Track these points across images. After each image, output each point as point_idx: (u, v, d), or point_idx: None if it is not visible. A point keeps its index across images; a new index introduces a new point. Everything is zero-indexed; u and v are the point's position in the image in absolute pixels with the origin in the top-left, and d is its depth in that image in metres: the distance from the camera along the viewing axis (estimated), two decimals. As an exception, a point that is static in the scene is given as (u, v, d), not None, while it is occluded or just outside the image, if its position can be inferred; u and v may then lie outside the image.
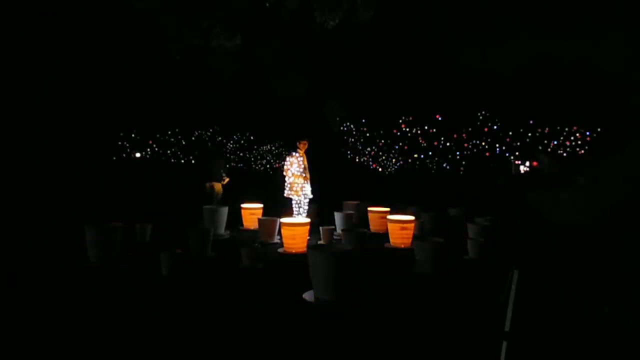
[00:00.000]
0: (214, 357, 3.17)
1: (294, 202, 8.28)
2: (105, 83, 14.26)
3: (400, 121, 17.24)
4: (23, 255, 5.99)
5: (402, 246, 7.25)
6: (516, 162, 18.29)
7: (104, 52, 12.60)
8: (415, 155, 17.67)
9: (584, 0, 7.18)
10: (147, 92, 15.67)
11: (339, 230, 8.09)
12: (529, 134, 16.33)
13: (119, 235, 5.81)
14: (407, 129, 17.28)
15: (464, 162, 17.46)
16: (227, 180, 10.34)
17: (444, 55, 10.75)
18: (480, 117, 16.50)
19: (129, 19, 9.99)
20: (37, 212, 9.75)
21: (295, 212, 8.24)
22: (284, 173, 8.28)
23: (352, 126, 18.13)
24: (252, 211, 8.82)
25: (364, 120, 17.91)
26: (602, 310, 3.69)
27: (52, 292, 4.52)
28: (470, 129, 16.64)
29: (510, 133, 16.40)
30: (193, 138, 20.88)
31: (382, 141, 17.93)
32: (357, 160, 18.79)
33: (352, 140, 18.40)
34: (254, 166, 22.15)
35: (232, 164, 20.92)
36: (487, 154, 16.95)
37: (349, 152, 18.78)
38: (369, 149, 18.36)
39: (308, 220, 7.23)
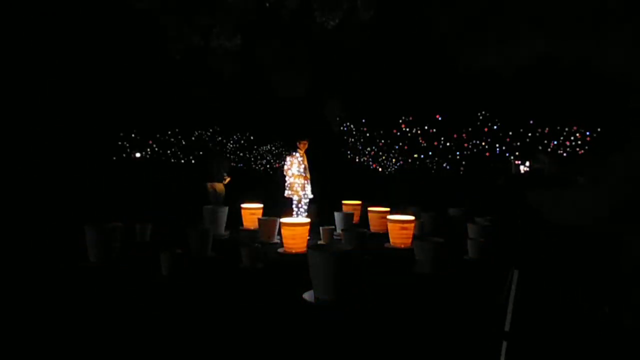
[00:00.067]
0: (214, 357, 3.17)
1: (294, 202, 8.28)
2: (105, 83, 14.25)
3: (400, 121, 17.23)
4: (23, 255, 5.99)
5: (402, 246, 7.25)
6: (516, 162, 18.30)
7: (104, 52, 12.60)
8: (415, 155, 17.66)
9: (584, 0, 7.18)
10: (147, 92, 15.66)
11: (339, 230, 8.09)
12: (529, 134, 16.33)
13: (119, 235, 5.81)
14: (407, 129, 17.27)
15: (464, 162, 17.45)
16: (228, 179, 10.34)
17: (444, 55, 10.75)
18: (480, 117, 16.49)
19: (129, 19, 9.99)
20: (37, 212, 9.75)
21: (295, 212, 8.24)
22: (285, 173, 8.28)
23: (352, 126, 18.12)
24: (252, 211, 8.82)
25: (364, 120, 17.90)
26: (602, 310, 3.69)
27: (52, 292, 4.52)
28: (470, 129, 16.62)
29: (510, 133, 16.39)
30: (193, 138, 20.87)
31: (382, 141, 17.92)
32: (357, 160, 18.79)
33: (352, 140, 18.39)
34: (254, 166, 22.14)
35: (232, 164, 20.91)
36: (487, 154, 16.94)
37: (349, 152, 18.77)
38: (369, 149, 18.35)
39: (308, 220, 7.23)
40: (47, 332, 3.48)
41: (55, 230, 7.65)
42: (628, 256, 3.42)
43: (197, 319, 3.84)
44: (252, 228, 8.52)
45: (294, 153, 8.22)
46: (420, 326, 3.85)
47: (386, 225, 7.64)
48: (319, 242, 7.24)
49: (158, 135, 20.56)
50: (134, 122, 18.69)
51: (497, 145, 16.74)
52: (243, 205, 8.98)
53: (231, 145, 21.58)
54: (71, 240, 6.41)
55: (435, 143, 17.19)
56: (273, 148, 21.99)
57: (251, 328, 3.69)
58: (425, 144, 17.35)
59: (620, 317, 3.57)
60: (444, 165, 17.76)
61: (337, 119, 16.91)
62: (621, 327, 3.52)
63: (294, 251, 6.66)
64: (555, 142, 16.25)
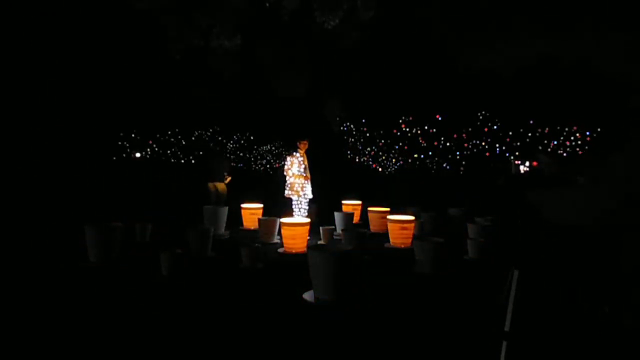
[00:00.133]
0: (214, 357, 3.17)
1: (294, 202, 8.28)
2: (105, 83, 14.26)
3: (400, 121, 17.23)
4: (23, 255, 5.99)
5: (402, 246, 7.25)
6: (516, 162, 18.28)
7: (104, 52, 12.60)
8: (415, 155, 17.66)
9: (584, 0, 7.18)
10: (147, 92, 15.67)
11: (339, 230, 8.09)
12: (529, 134, 16.33)
13: (119, 235, 5.80)
14: (407, 129, 17.28)
15: (464, 162, 17.46)
16: (229, 179, 10.33)
17: (444, 55, 10.76)
18: (480, 117, 16.50)
19: (129, 19, 9.99)
20: (37, 212, 9.75)
21: (295, 212, 8.24)
22: (285, 173, 8.28)
23: (352, 126, 18.13)
24: (252, 211, 8.81)
25: (364, 120, 17.91)
26: (602, 310, 3.69)
27: (52, 292, 4.52)
28: (470, 129, 16.63)
29: (510, 133, 16.40)
30: (193, 138, 20.88)
31: (382, 141, 17.92)
32: (357, 160, 18.79)
33: (352, 140, 18.40)
34: (254, 166, 22.15)
35: (232, 164, 20.92)
36: (487, 154, 16.94)
37: (349, 152, 18.78)
38: (369, 149, 18.35)
39: (308, 220, 7.23)
40: (48, 332, 3.48)
41: (56, 230, 7.65)
42: (628, 256, 3.42)
43: (197, 319, 3.84)
44: (252, 228, 8.52)
45: (294, 153, 8.22)
46: (420, 326, 3.86)
47: (386, 225, 7.64)
48: (319, 242, 7.24)
49: (158, 135, 20.58)
50: (134, 122, 18.70)
51: (497, 145, 16.74)
52: (243, 205, 8.98)
53: (231, 145, 21.58)
54: (71, 240, 6.41)
55: (435, 143, 17.19)
56: (273, 148, 22.00)
57: (251, 328, 3.69)
58: (425, 144, 17.36)
59: (620, 317, 3.57)
60: (444, 165, 17.77)
61: (337, 119, 16.92)
62: (621, 327, 3.52)
63: (294, 251, 6.66)
64: (555, 142, 16.25)
